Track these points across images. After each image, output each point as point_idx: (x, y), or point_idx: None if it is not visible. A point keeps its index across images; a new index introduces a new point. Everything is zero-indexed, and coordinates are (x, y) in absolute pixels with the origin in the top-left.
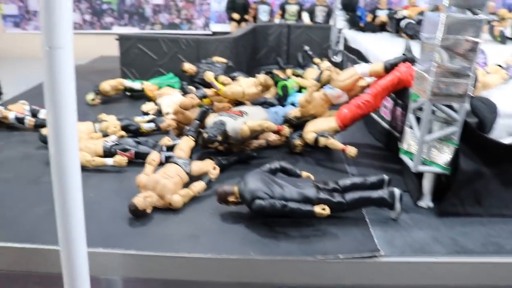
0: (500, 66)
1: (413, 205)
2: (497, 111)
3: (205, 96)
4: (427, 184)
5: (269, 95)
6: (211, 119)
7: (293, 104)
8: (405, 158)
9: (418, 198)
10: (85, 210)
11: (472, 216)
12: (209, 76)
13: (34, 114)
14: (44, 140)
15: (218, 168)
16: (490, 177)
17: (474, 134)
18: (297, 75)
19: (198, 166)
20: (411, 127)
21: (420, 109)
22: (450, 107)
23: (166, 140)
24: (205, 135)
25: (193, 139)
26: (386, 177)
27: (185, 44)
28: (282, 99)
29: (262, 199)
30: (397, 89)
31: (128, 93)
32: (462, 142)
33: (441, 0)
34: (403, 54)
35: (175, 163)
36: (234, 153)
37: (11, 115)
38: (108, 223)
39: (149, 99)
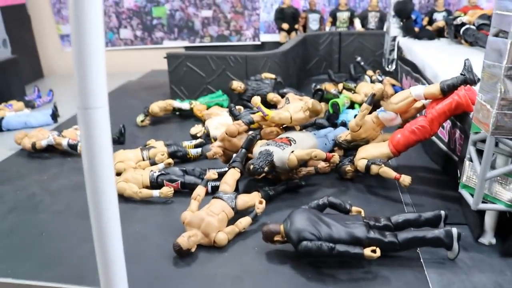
0: None
1: (474, 242)
2: None
3: (252, 122)
4: (489, 220)
5: (320, 114)
6: (257, 148)
7: (343, 124)
8: (464, 193)
9: (479, 234)
10: (131, 247)
11: None
12: (256, 101)
13: None
14: None
15: (264, 202)
16: None
17: None
18: (349, 89)
19: (244, 200)
20: (471, 160)
21: (482, 140)
22: None
23: (211, 174)
24: (251, 167)
25: (238, 170)
26: (443, 212)
27: (233, 60)
28: (333, 117)
29: (308, 240)
30: (455, 113)
31: (177, 113)
32: None
33: (507, 25)
34: (462, 74)
35: (220, 198)
36: (282, 182)
37: (64, 142)
38: (153, 262)
39: (198, 119)
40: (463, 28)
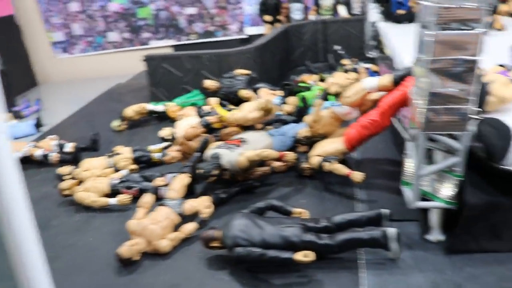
0: None
1: (421, 239)
2: (511, 135)
3: (208, 124)
4: (434, 217)
5: (289, 108)
6: (209, 151)
7: None
8: (405, 190)
9: (426, 231)
10: (80, 257)
11: (489, 252)
12: (211, 102)
13: (61, 148)
14: (60, 178)
15: (211, 206)
16: (508, 208)
17: (483, 164)
18: (324, 80)
19: (191, 205)
20: (410, 156)
21: None
22: (452, 134)
23: (159, 181)
24: (200, 171)
25: (188, 175)
26: (384, 211)
27: (207, 59)
28: (302, 111)
29: (241, 246)
30: (406, 106)
31: (154, 115)
32: (470, 172)
33: (431, 16)
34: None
35: (165, 205)
36: (237, 183)
37: (37, 153)
38: (98, 272)
39: (174, 120)
40: None
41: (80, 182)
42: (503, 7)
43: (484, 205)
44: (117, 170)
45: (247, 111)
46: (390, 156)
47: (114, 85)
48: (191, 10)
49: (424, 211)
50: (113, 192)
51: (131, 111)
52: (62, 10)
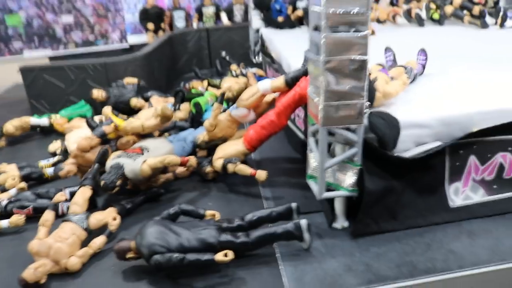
0: (403, 66)
1: (328, 228)
2: (399, 125)
3: (104, 135)
4: (338, 205)
5: (182, 115)
6: (109, 161)
7: None
8: (311, 183)
9: (332, 220)
10: None
11: (388, 232)
12: (106, 112)
13: None
14: None
15: (118, 218)
16: (401, 190)
17: (376, 152)
18: (214, 85)
19: (97, 218)
20: (311, 151)
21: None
22: (348, 128)
23: (59, 196)
24: (102, 183)
25: (89, 188)
26: (294, 205)
27: (92, 69)
28: (197, 117)
29: (159, 254)
30: (300, 105)
31: (38, 129)
32: (367, 161)
33: (319, 20)
34: (303, 65)
35: (69, 220)
36: (141, 192)
37: None
38: None
39: (61, 133)
40: None
41: None
42: (372, 14)
43: (381, 190)
44: (3, 190)
45: (145, 118)
46: (287, 154)
47: None
48: (68, 18)
49: (328, 202)
50: (3, 215)
51: (11, 126)
52: None
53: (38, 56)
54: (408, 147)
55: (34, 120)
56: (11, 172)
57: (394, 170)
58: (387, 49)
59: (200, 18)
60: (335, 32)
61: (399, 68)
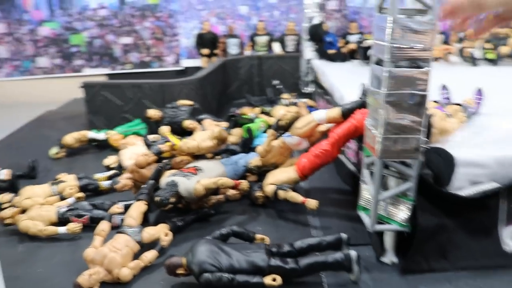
0: (459, 104)
1: (377, 262)
2: (454, 163)
3: (160, 153)
4: (388, 240)
5: (234, 139)
6: (164, 179)
7: None
8: (362, 215)
9: (380, 254)
10: None
11: (438, 271)
12: (163, 131)
13: None
14: None
15: (170, 234)
16: (453, 229)
17: (431, 188)
18: (266, 113)
19: (150, 233)
20: (365, 183)
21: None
22: (404, 162)
23: (115, 208)
24: (157, 199)
25: (144, 203)
26: (344, 236)
27: (149, 89)
28: (248, 142)
29: (209, 272)
30: (355, 136)
31: (94, 144)
32: (421, 197)
33: (383, 53)
34: (360, 98)
35: (124, 232)
36: (192, 211)
37: None
38: None
39: (115, 149)
40: (369, 50)
41: (23, 210)
42: None
43: (433, 227)
44: (62, 198)
45: (201, 140)
46: (336, 185)
47: (45, 112)
48: (127, 40)
49: (377, 235)
50: (61, 221)
51: (71, 138)
52: None
53: (97, 73)
54: (462, 185)
55: (92, 134)
56: (70, 182)
57: (448, 207)
58: (443, 87)
59: (253, 46)
60: (397, 66)
61: (455, 106)
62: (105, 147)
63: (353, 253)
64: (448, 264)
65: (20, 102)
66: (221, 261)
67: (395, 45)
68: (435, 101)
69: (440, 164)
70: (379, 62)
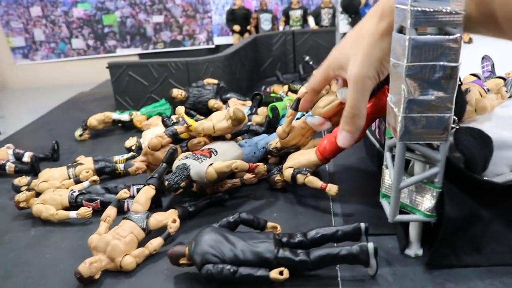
0: (502, 78)
1: (400, 254)
2: (492, 145)
3: (175, 134)
4: (413, 230)
5: (259, 119)
6: (176, 162)
7: None
8: (384, 203)
9: (405, 245)
10: (35, 276)
11: (469, 267)
12: (180, 111)
13: (17, 158)
14: (16, 189)
15: (178, 221)
16: (488, 220)
17: (463, 174)
18: (295, 91)
19: (157, 219)
20: (387, 167)
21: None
22: (431, 144)
23: (123, 193)
24: (166, 183)
25: (153, 187)
26: (363, 225)
27: (174, 67)
28: (273, 122)
29: (211, 263)
30: (381, 116)
31: (119, 125)
32: (449, 184)
33: (405, 20)
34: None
35: (129, 219)
36: (205, 195)
37: None
38: None
39: (140, 130)
40: None
41: (39, 193)
42: None
43: (464, 218)
44: (78, 182)
45: (216, 120)
46: (363, 168)
47: (77, 94)
48: (158, 19)
49: (402, 225)
50: (73, 205)
51: (94, 120)
52: (23, 14)
53: (129, 53)
54: (501, 170)
55: (116, 115)
56: (87, 165)
57: (482, 196)
58: (485, 58)
59: (287, 21)
60: (421, 34)
61: (497, 79)
62: (131, 128)
63: (370, 245)
64: (482, 259)
65: (56, 85)
66: (224, 252)
67: (418, 8)
68: (473, 74)
69: (473, 147)
70: (401, 30)
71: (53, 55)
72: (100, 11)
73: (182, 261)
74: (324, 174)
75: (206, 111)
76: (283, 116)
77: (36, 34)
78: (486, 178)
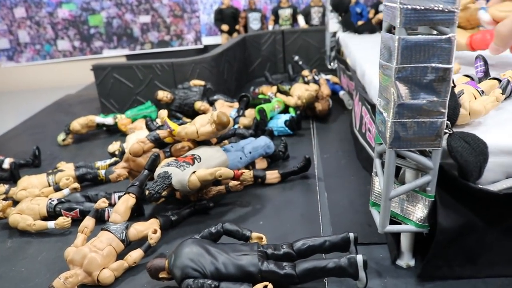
0: (497, 79)
1: (391, 265)
2: (487, 151)
3: (157, 139)
4: (405, 240)
5: (246, 122)
6: (158, 169)
7: (270, 133)
8: (374, 212)
9: (396, 256)
10: None
11: (463, 278)
12: (162, 115)
13: None
14: None
15: (159, 231)
16: (483, 230)
17: (456, 182)
18: (284, 92)
19: (138, 229)
20: (377, 174)
21: None
22: (422, 151)
23: (101, 203)
24: (147, 192)
25: (133, 196)
26: (351, 235)
27: (160, 69)
28: (261, 124)
29: (192, 278)
30: None
31: (104, 128)
32: (442, 192)
33: (394, 18)
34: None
35: (107, 230)
36: (189, 204)
37: None
38: None
39: (125, 134)
40: None
41: (17, 202)
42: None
43: (458, 228)
44: (58, 189)
45: (200, 124)
46: (354, 172)
47: (63, 96)
48: (145, 19)
49: (394, 234)
50: (51, 215)
51: (77, 124)
52: (7, 15)
53: (116, 55)
54: (496, 178)
55: (99, 119)
56: (67, 172)
57: (477, 205)
58: (478, 58)
59: (276, 20)
60: (411, 34)
61: (492, 80)
62: (115, 132)
63: (359, 257)
64: (476, 270)
65: (43, 87)
66: (205, 265)
67: (408, 6)
68: (466, 75)
69: (467, 153)
70: (390, 30)
71: (39, 57)
72: (86, 12)
73: (161, 275)
74: (312, 178)
75: (193, 113)
76: (271, 118)
77: (21, 36)
78: (481, 186)
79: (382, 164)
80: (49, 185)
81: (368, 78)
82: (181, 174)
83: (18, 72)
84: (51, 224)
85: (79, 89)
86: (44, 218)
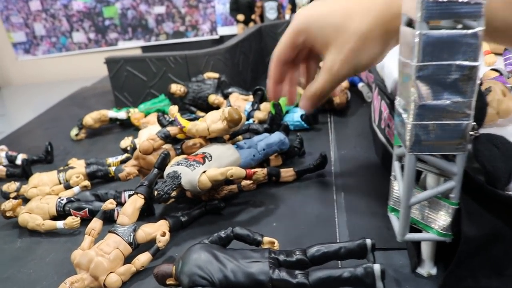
0: None
1: (411, 273)
2: None
3: (168, 136)
4: (426, 248)
5: (261, 116)
6: (168, 168)
7: (285, 128)
8: (392, 218)
9: (416, 263)
10: None
11: None
12: (172, 111)
13: (10, 161)
14: (5, 196)
15: (167, 233)
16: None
17: (483, 189)
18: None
19: (146, 232)
20: (396, 178)
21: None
22: (445, 155)
23: (108, 204)
24: (155, 193)
25: (142, 197)
26: (368, 241)
27: (173, 61)
28: (276, 119)
29: (199, 286)
30: None
31: (118, 122)
32: (467, 199)
33: (413, 10)
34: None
35: (114, 232)
36: (200, 203)
37: None
38: None
39: (138, 128)
40: None
41: (28, 200)
42: None
43: (484, 237)
44: (69, 187)
45: (211, 121)
46: (372, 170)
47: (79, 89)
48: (160, 9)
49: (411, 243)
50: (59, 215)
51: (90, 119)
52: (22, 8)
53: (131, 46)
54: None
55: (112, 113)
56: (78, 169)
57: (505, 213)
58: (508, 50)
59: (293, 9)
60: (435, 29)
61: None
62: (129, 126)
63: (376, 267)
64: (503, 282)
65: (59, 80)
66: (213, 273)
67: None
68: (494, 69)
69: (496, 158)
70: (410, 23)
71: (55, 49)
72: (100, 3)
73: (169, 281)
74: (329, 176)
75: (207, 107)
76: (287, 112)
77: (37, 29)
78: (510, 193)
79: (402, 168)
80: (60, 183)
81: (387, 70)
82: (191, 174)
83: (34, 65)
84: (60, 224)
85: (94, 81)
86: (54, 218)
